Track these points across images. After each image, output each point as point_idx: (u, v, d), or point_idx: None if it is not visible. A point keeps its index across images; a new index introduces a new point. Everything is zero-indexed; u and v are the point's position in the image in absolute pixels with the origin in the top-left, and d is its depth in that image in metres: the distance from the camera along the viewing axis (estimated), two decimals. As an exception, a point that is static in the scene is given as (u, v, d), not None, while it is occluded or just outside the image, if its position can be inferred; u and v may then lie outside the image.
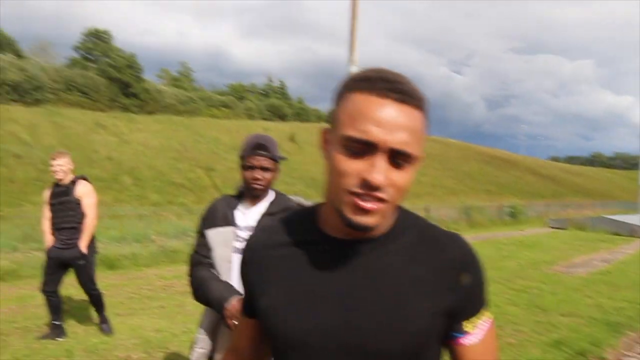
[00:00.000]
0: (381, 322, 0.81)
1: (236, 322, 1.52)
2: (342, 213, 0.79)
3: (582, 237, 14.75)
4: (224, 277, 1.97)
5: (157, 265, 8.03)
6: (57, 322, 4.30)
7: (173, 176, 21.40)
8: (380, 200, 0.77)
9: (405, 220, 0.91)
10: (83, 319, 4.94)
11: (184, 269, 7.63)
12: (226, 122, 34.26)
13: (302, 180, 24.60)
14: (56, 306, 4.31)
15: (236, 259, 1.96)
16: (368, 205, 0.76)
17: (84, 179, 4.47)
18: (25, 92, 24.58)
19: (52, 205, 4.29)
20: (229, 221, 2.00)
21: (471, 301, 0.88)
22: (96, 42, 33.91)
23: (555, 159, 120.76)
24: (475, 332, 0.88)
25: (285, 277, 0.88)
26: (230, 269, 1.97)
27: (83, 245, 4.27)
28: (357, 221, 0.78)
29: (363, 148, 0.76)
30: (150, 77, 37.30)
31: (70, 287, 6.33)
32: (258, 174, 1.95)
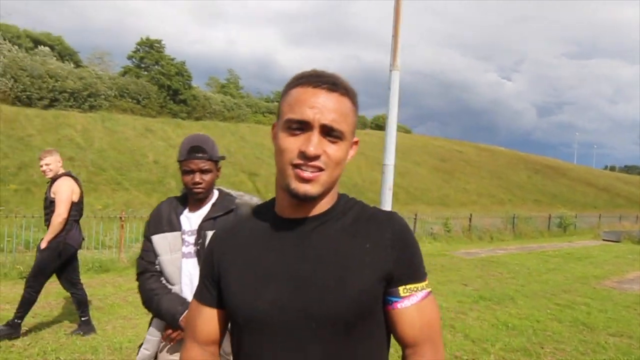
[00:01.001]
0: (328, 288, 0.91)
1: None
2: (288, 186, 0.92)
3: (638, 251, 13.82)
4: (172, 282, 1.94)
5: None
6: (84, 318, 4.38)
7: (217, 180, 21.78)
8: (318, 169, 0.91)
9: (347, 202, 1.04)
10: (114, 317, 5.02)
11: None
12: (271, 128, 34.69)
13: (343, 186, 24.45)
14: (79, 301, 4.38)
15: (184, 264, 1.95)
16: (307, 174, 0.90)
17: (68, 175, 4.25)
18: (82, 98, 25.83)
19: (44, 204, 4.28)
20: (174, 226, 1.97)
21: (406, 269, 0.97)
22: (149, 51, 35.21)
23: (611, 169, 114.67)
24: (409, 297, 0.96)
25: (246, 262, 0.99)
26: (178, 274, 1.94)
27: (43, 242, 4.13)
28: (300, 190, 0.91)
29: (300, 127, 0.91)
30: (198, 84, 38.38)
31: (106, 284, 6.52)
32: (197, 178, 1.92)
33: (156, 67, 33.78)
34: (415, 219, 13.75)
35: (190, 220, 2.00)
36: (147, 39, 34.61)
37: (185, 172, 1.95)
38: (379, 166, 7.30)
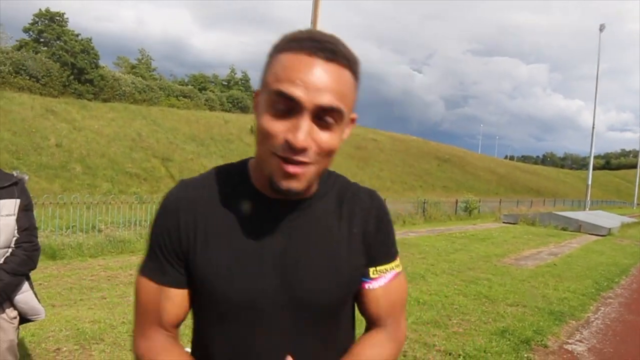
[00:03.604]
0: (318, 277, 0.86)
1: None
2: (270, 177, 0.79)
3: (532, 232, 15.24)
4: None
5: (104, 256, 7.67)
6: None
7: (127, 165, 20.65)
8: (305, 163, 0.76)
9: (329, 177, 0.96)
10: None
11: (131, 259, 7.31)
12: (185, 112, 33.42)
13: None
14: None
15: None
16: (293, 169, 0.76)
17: None
18: (-32, 74, 23.19)
19: None
20: None
21: (381, 250, 0.95)
22: (49, 24, 32.26)
23: (511, 158, 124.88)
24: (377, 279, 0.94)
25: (224, 238, 0.86)
26: None
27: None
28: (283, 186, 0.78)
29: (288, 106, 0.75)
30: (106, 64, 35.91)
31: None
32: None
33: (58, 42, 31.10)
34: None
35: None
36: (47, 11, 31.69)
37: None
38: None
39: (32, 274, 2.32)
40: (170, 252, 0.87)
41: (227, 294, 0.84)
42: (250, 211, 0.87)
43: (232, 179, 0.91)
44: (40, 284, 5.49)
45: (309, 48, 0.75)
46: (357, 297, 0.96)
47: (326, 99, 0.74)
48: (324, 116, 0.75)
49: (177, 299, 0.89)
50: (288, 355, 0.83)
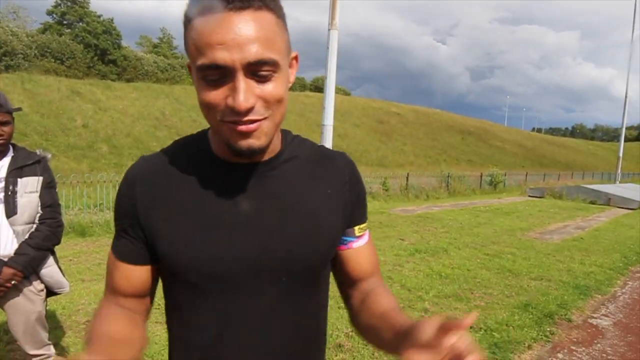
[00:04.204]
0: (298, 240, 0.83)
1: None
2: (228, 142, 0.76)
3: (558, 206, 14.94)
4: None
5: (130, 233, 7.87)
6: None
7: (152, 144, 21.01)
8: (257, 120, 0.74)
9: (293, 140, 0.93)
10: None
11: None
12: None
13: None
14: None
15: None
16: (246, 127, 0.73)
17: None
18: (-4, 57, 23.73)
19: None
20: None
21: (361, 209, 0.96)
22: (71, 6, 32.60)
23: (538, 130, 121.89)
24: (362, 237, 0.96)
25: (188, 209, 0.82)
26: None
27: None
28: (243, 146, 0.75)
29: (218, 74, 0.71)
30: (129, 44, 36.22)
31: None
32: None
33: (80, 24, 31.48)
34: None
35: None
36: (69, -7, 31.98)
37: None
38: (319, 127, 7.30)
39: (63, 250, 2.42)
40: (128, 225, 0.85)
41: (195, 265, 0.80)
42: (212, 178, 0.83)
43: (190, 149, 0.88)
44: (71, 259, 5.68)
45: (216, 5, 0.69)
46: (341, 259, 0.95)
47: (252, 53, 0.69)
48: (258, 70, 0.71)
49: (126, 271, 0.87)
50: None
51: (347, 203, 0.92)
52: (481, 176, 20.06)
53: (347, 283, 0.99)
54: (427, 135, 42.09)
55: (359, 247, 0.96)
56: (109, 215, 8.30)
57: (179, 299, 0.86)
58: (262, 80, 0.72)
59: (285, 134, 0.92)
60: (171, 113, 25.76)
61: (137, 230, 0.84)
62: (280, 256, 0.82)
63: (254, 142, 0.75)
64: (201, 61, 0.70)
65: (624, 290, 5.54)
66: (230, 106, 0.71)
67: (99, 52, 30.28)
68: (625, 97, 24.74)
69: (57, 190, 2.33)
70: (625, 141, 25.76)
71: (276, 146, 0.87)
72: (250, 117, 0.73)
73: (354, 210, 0.94)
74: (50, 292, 2.35)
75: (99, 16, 32.04)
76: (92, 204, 8.78)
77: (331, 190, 0.90)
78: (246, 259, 0.81)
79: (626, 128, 26.22)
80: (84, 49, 29.52)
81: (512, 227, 9.89)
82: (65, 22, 32.77)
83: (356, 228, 0.95)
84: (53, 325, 3.60)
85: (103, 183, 9.05)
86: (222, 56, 0.69)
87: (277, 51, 0.72)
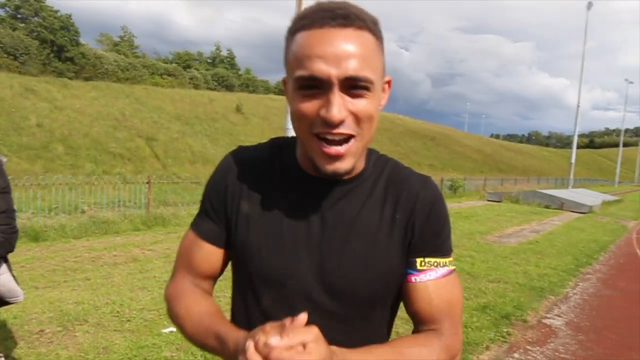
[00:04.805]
0: (353, 266, 0.83)
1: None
2: (314, 161, 0.78)
3: (515, 210, 15.46)
4: None
5: (87, 237, 7.60)
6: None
7: (110, 145, 20.36)
8: (346, 139, 0.75)
9: (377, 160, 0.92)
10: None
11: (115, 240, 7.24)
12: (170, 90, 32.91)
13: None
14: None
15: None
16: (335, 150, 0.75)
17: None
18: (-58, 51, 22.45)
19: None
20: None
21: (430, 239, 0.87)
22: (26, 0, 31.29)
23: (496, 137, 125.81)
24: (427, 272, 0.86)
25: (267, 213, 0.87)
26: None
27: None
28: (328, 170, 0.77)
29: (314, 86, 0.73)
30: (88, 41, 35.05)
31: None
32: None
33: (36, 19, 30.22)
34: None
35: None
36: (24, -14, 30.67)
37: None
38: (282, 131, 7.28)
39: (15, 256, 2.30)
40: (215, 209, 0.91)
41: (260, 268, 0.85)
42: (293, 189, 0.87)
43: (282, 152, 0.91)
44: (23, 266, 5.45)
45: (320, 20, 0.73)
46: (404, 292, 0.88)
47: (349, 69, 0.71)
48: (353, 86, 0.73)
49: (208, 251, 0.92)
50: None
51: (411, 230, 0.86)
52: (442, 181, 20.49)
53: (413, 321, 0.90)
54: (391, 140, 42.70)
55: (422, 282, 0.86)
56: (64, 219, 8.00)
57: (238, 292, 0.93)
58: (356, 96, 0.74)
59: (370, 153, 0.92)
60: (131, 114, 25.08)
61: (221, 215, 0.91)
62: (331, 278, 0.83)
63: (340, 165, 0.77)
64: (300, 73, 0.73)
65: (575, 291, 5.80)
66: (323, 117, 0.73)
67: (56, 48, 29.12)
68: (578, 106, 25.89)
69: (11, 195, 2.23)
70: (577, 148, 26.90)
71: (359, 166, 0.87)
72: (340, 129, 0.74)
73: (419, 240, 0.86)
74: (2, 301, 2.25)
75: (56, 11, 30.87)
76: (47, 207, 8.45)
77: (399, 214, 0.86)
78: (299, 274, 0.84)
79: (578, 135, 27.41)
80: (39, 44, 28.33)
81: (471, 230, 10.16)
82: (19, 16, 31.39)
83: (418, 260, 0.86)
84: (4, 336, 3.44)
85: (59, 185, 8.72)
86: (320, 68, 0.71)
87: (373, 71, 0.74)
